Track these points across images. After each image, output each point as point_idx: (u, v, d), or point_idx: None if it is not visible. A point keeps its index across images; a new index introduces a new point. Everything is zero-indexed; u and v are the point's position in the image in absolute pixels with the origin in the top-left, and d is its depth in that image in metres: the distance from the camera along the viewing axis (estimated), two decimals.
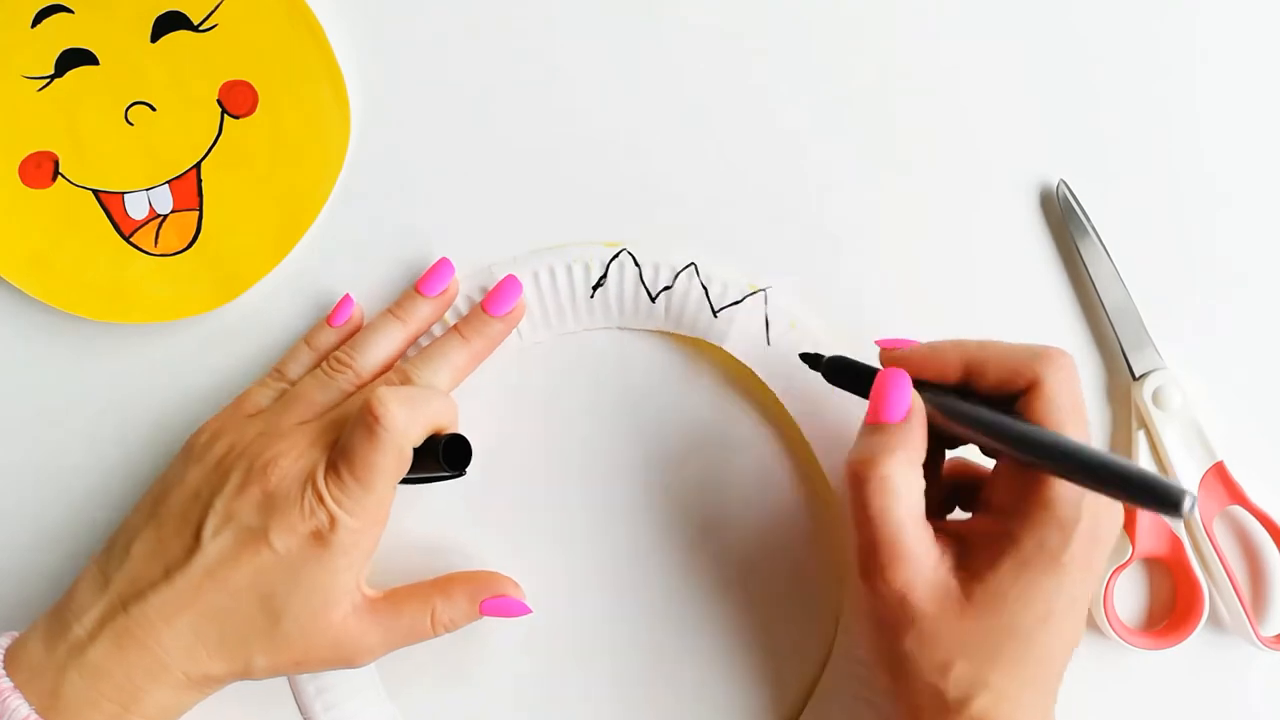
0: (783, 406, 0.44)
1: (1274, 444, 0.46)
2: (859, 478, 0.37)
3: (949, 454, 0.42)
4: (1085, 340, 0.46)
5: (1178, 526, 0.44)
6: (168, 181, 0.46)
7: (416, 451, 0.40)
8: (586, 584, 0.46)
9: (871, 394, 0.38)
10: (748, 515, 0.46)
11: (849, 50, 0.46)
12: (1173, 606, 0.45)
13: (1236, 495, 0.44)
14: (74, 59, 0.45)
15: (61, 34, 0.45)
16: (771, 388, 0.44)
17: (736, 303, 0.44)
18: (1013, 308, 0.46)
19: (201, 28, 0.45)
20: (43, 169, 0.45)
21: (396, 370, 0.43)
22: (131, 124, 0.46)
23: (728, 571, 0.45)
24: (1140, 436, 0.45)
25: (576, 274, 0.45)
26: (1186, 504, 0.32)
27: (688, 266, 0.45)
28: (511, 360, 0.46)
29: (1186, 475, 0.44)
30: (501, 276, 0.44)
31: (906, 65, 0.46)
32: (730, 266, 0.45)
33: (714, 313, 0.44)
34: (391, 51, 0.47)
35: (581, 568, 0.46)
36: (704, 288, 0.44)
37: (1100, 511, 0.36)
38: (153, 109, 0.46)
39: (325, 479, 0.39)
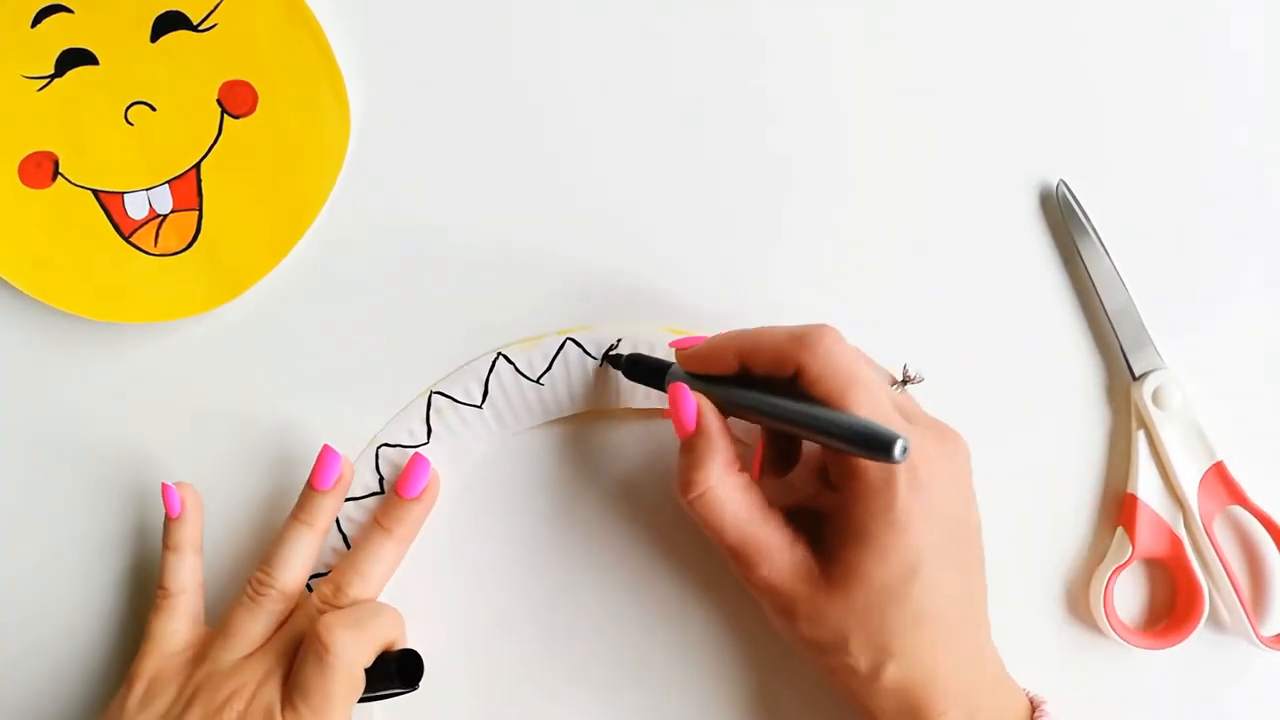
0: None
1: (1274, 444, 0.46)
2: (686, 502, 0.39)
3: None
4: (1085, 340, 0.46)
5: (1177, 526, 0.44)
6: (168, 181, 0.46)
7: (368, 671, 0.41)
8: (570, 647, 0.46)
9: (669, 410, 0.39)
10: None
11: (849, 50, 0.46)
12: (1173, 606, 0.45)
13: (1236, 495, 0.44)
14: (74, 59, 0.45)
15: (61, 34, 0.45)
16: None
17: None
18: (1013, 308, 0.46)
19: (201, 28, 0.45)
20: (43, 169, 0.45)
21: (329, 582, 0.43)
22: (131, 124, 0.46)
23: (719, 632, 0.46)
24: (1140, 436, 0.45)
25: (536, 364, 0.45)
26: (898, 448, 0.34)
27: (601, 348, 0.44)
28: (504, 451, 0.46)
29: (1186, 475, 0.44)
30: (411, 457, 0.44)
31: (906, 65, 0.46)
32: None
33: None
34: (391, 51, 0.47)
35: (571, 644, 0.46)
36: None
37: (915, 457, 0.36)
38: (153, 109, 0.46)
39: (284, 714, 0.40)
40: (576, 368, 0.45)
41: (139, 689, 0.42)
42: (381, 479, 0.45)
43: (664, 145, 0.46)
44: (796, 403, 0.37)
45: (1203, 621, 0.44)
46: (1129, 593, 0.46)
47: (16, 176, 0.45)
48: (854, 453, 0.35)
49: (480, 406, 0.45)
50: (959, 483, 0.39)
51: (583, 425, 0.46)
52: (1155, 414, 0.44)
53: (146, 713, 0.41)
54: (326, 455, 0.44)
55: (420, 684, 0.42)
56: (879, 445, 0.34)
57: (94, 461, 0.46)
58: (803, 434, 0.37)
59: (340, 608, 0.42)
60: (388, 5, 0.47)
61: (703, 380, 0.40)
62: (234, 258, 0.46)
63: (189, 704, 0.40)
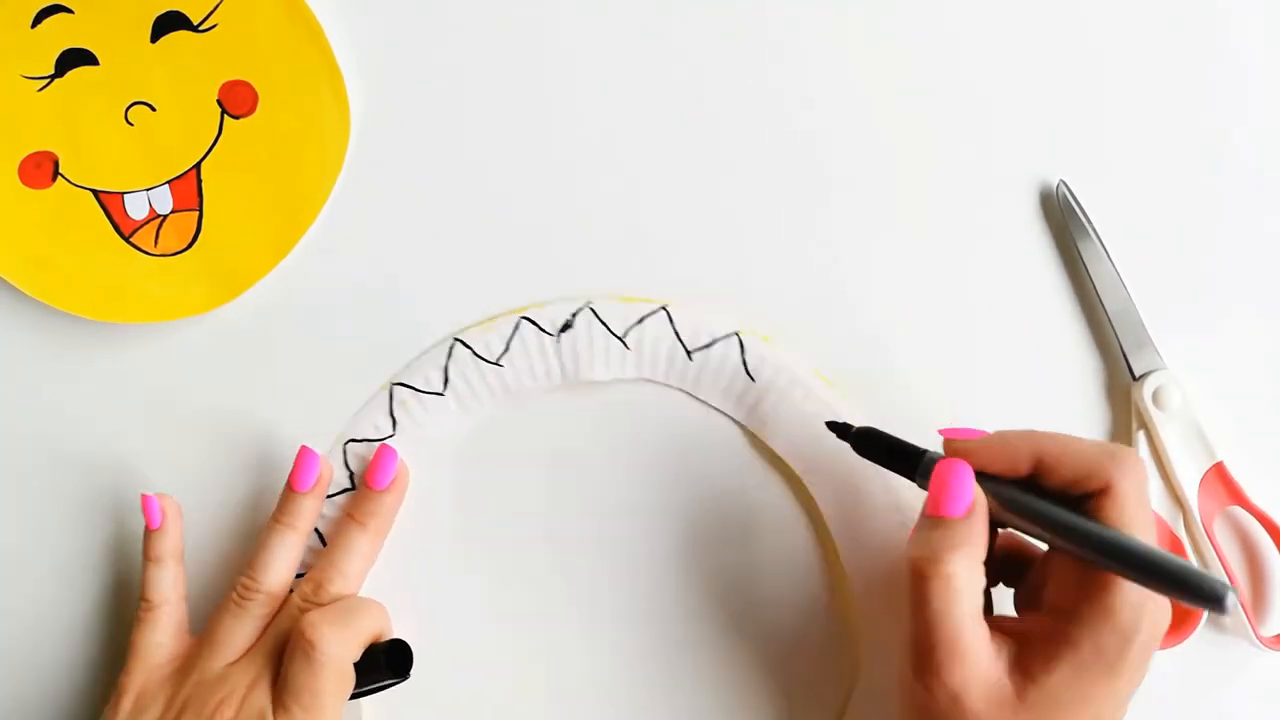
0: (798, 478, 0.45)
1: (1274, 444, 0.46)
2: (921, 575, 0.36)
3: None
4: (1085, 340, 0.46)
5: (1177, 526, 0.44)
6: (168, 181, 0.46)
7: (357, 666, 0.41)
8: (592, 647, 0.46)
9: (932, 485, 0.37)
10: (766, 593, 0.46)
11: (849, 51, 0.46)
12: (1173, 607, 0.45)
13: (1236, 495, 0.44)
14: (74, 59, 0.45)
15: (61, 34, 0.45)
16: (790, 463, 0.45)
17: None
18: (1013, 308, 0.46)
19: (201, 28, 0.45)
20: (43, 169, 0.45)
21: (308, 580, 0.43)
22: (131, 124, 0.46)
23: (733, 636, 0.46)
24: (1140, 437, 0.45)
25: (611, 321, 0.45)
26: (1230, 600, 0.33)
27: (729, 335, 0.44)
28: (537, 409, 0.46)
29: (1186, 475, 0.44)
30: (378, 449, 0.44)
31: (906, 65, 0.46)
32: (722, 301, 0.46)
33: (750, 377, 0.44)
34: (391, 52, 0.47)
35: (587, 630, 0.46)
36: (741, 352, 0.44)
37: (1158, 618, 0.35)
38: (153, 109, 0.46)
39: (276, 716, 0.39)
40: (534, 347, 0.45)
41: (126, 703, 0.42)
42: (351, 474, 0.45)
43: (666, 144, 0.46)
44: (1104, 527, 0.35)
45: (1203, 621, 0.44)
46: None
47: (16, 176, 0.45)
48: (1173, 595, 0.34)
49: (442, 394, 0.45)
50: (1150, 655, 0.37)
51: (546, 402, 0.46)
52: (1155, 414, 0.44)
53: None
54: (305, 456, 0.44)
55: (411, 673, 0.42)
56: (1210, 595, 0.33)
57: (94, 461, 0.46)
58: (1104, 562, 0.35)
59: (322, 605, 0.42)
60: (388, 5, 0.47)
61: (978, 477, 0.37)
62: (234, 258, 0.46)
63: (179, 715, 0.40)
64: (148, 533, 0.44)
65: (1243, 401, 0.46)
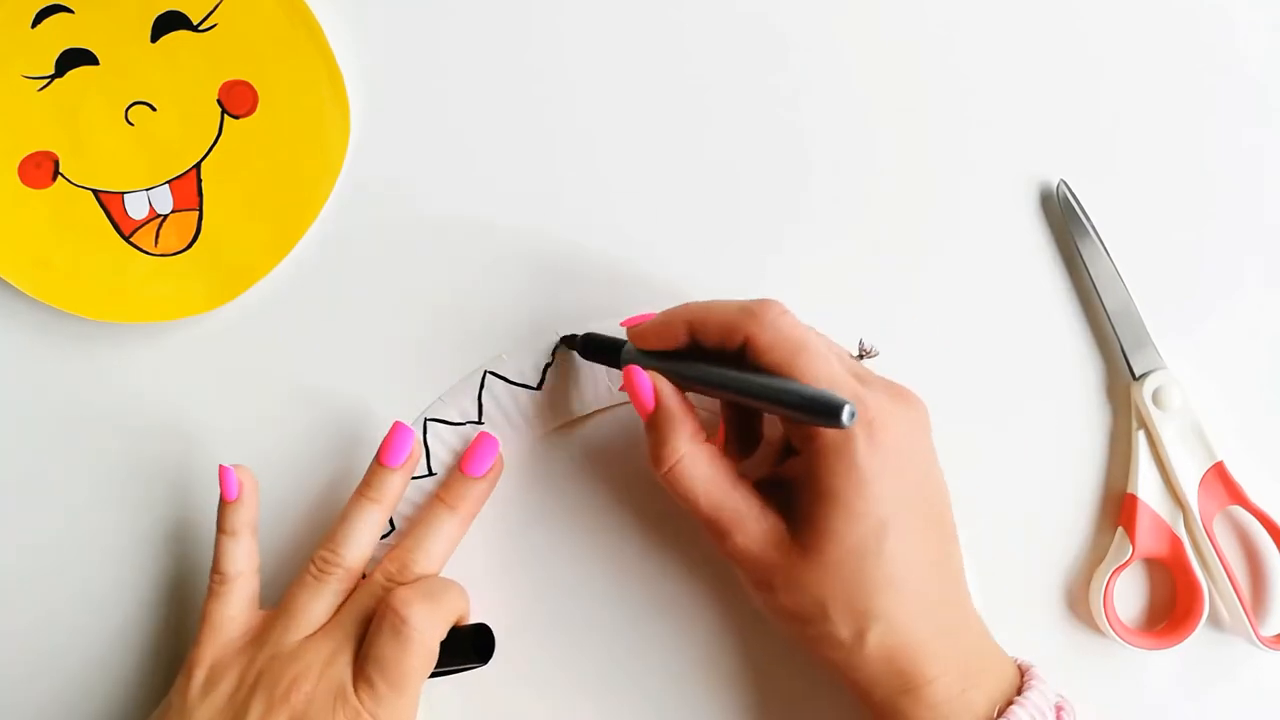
0: None
1: (1274, 444, 0.46)
2: (660, 476, 0.39)
3: None
4: (1085, 340, 0.46)
5: (1177, 526, 0.44)
6: (168, 181, 0.46)
7: (441, 645, 0.41)
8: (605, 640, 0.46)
9: (628, 394, 0.40)
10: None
11: (849, 51, 0.46)
12: (1173, 606, 0.45)
13: (1236, 495, 0.44)
14: (74, 59, 0.45)
15: (61, 34, 0.45)
16: None
17: None
18: (1013, 308, 0.46)
19: (201, 28, 0.45)
20: (43, 169, 0.45)
21: (393, 559, 0.42)
22: (131, 124, 0.46)
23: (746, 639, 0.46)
24: (1140, 436, 0.45)
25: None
26: (845, 412, 0.34)
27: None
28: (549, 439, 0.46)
29: (1186, 475, 0.44)
30: (476, 435, 0.44)
31: (906, 65, 0.46)
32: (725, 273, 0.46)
33: None
34: (391, 51, 0.47)
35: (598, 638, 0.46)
36: None
37: (873, 416, 0.37)
38: (153, 109, 0.46)
39: (357, 690, 0.39)
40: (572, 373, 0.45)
41: (199, 676, 0.41)
42: (428, 454, 0.45)
43: (667, 143, 0.46)
44: (746, 373, 0.37)
45: (1203, 621, 0.44)
46: (1129, 593, 0.46)
47: (16, 176, 0.45)
48: (804, 420, 0.36)
49: (535, 388, 0.45)
50: (918, 440, 0.39)
51: (589, 426, 0.46)
52: (1155, 414, 0.44)
53: (209, 700, 0.40)
54: (398, 432, 0.43)
55: (492, 658, 0.42)
56: (827, 410, 0.35)
57: (93, 462, 0.46)
58: (754, 404, 0.38)
59: (405, 584, 0.42)
60: (388, 5, 0.47)
61: (655, 357, 0.40)
62: (234, 258, 0.46)
63: (253, 688, 0.40)
64: (223, 504, 0.43)
65: (1243, 401, 0.46)
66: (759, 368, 0.37)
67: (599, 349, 0.43)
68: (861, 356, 0.42)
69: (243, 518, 0.43)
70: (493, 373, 0.45)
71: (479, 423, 0.45)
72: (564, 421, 0.46)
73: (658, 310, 0.41)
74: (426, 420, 0.45)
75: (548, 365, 0.45)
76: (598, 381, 0.45)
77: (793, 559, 0.38)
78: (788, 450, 0.42)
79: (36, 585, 0.46)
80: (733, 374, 0.38)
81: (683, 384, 0.40)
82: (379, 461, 0.43)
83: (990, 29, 0.47)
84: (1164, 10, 0.46)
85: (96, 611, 0.46)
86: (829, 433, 0.37)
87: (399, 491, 0.43)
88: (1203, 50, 0.47)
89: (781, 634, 0.41)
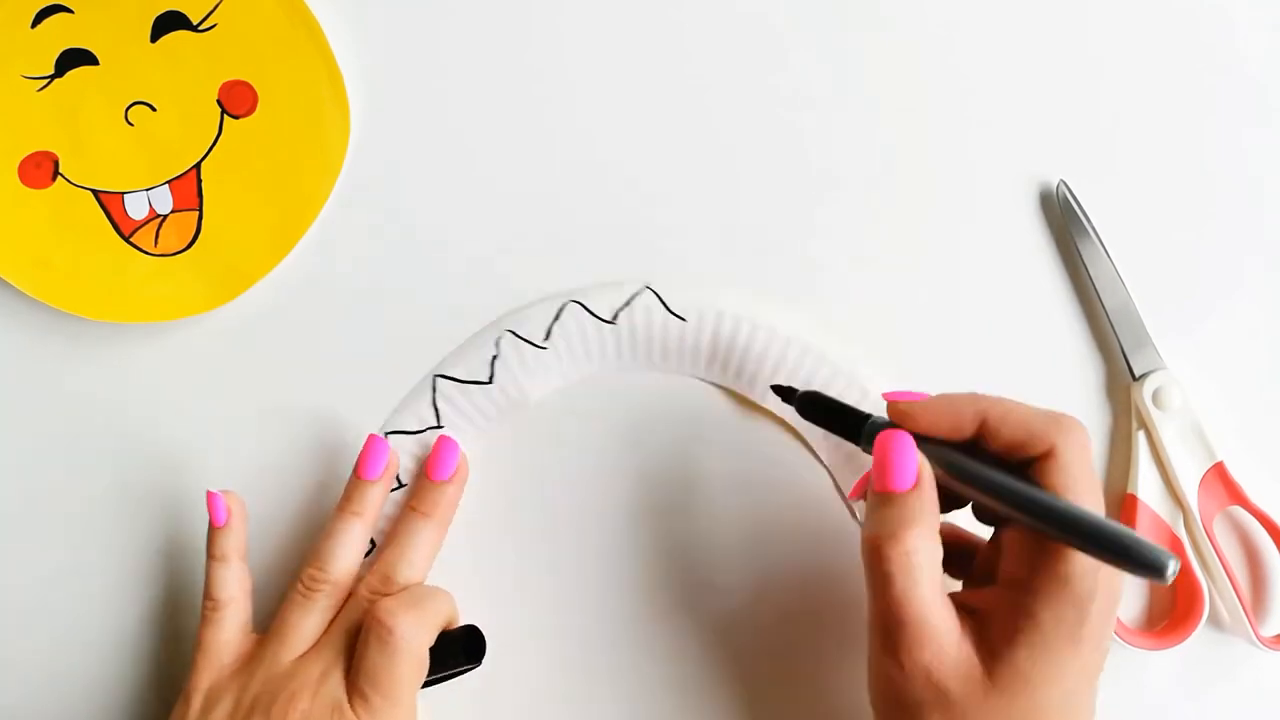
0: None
1: (1274, 444, 0.46)
2: (879, 554, 0.35)
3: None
4: (1085, 340, 0.46)
5: (1177, 526, 0.44)
6: (168, 181, 0.46)
7: (431, 651, 0.41)
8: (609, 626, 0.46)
9: (875, 458, 0.37)
10: (794, 567, 0.45)
11: (849, 51, 0.46)
12: (1173, 606, 0.45)
13: (1236, 495, 0.44)
14: (74, 59, 0.45)
15: (61, 34, 0.45)
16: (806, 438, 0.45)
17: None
18: (1013, 308, 0.46)
19: (201, 28, 0.45)
20: (43, 169, 0.45)
21: (375, 572, 0.42)
22: (131, 124, 0.46)
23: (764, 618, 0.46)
24: (1140, 436, 0.45)
25: (598, 310, 0.45)
26: (1171, 569, 0.32)
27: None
28: (551, 402, 0.46)
29: (1186, 475, 0.44)
30: (438, 439, 0.44)
31: (906, 65, 0.46)
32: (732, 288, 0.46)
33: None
34: (391, 51, 0.47)
35: (606, 611, 0.46)
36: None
37: (1113, 584, 0.35)
38: (153, 109, 0.46)
39: (352, 704, 0.39)
40: (576, 332, 0.45)
41: (196, 703, 0.41)
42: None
43: (666, 143, 0.46)
44: (1047, 493, 0.34)
45: (1203, 621, 0.44)
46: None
47: (16, 176, 0.45)
48: (1116, 564, 0.33)
49: (488, 382, 0.45)
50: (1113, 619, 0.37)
51: (584, 389, 0.46)
52: (1155, 414, 0.44)
53: None
54: (373, 444, 0.43)
55: (484, 659, 0.42)
56: (1151, 563, 0.32)
57: (93, 462, 0.46)
58: (1047, 529, 0.35)
59: (390, 595, 0.42)
60: (388, 5, 0.47)
61: (920, 440, 0.37)
62: (234, 258, 0.46)
63: (250, 711, 0.40)
64: (212, 530, 0.43)
65: (1243, 401, 0.46)
66: (1035, 484, 0.35)
67: (828, 413, 0.40)
68: None
69: (231, 543, 0.43)
70: (441, 375, 0.45)
71: (438, 427, 0.45)
72: (521, 411, 0.45)
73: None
74: (386, 433, 0.45)
75: (494, 358, 0.45)
76: (547, 367, 0.45)
77: (972, 695, 0.35)
78: (982, 575, 0.39)
79: (35, 585, 0.46)
80: (1035, 491, 0.35)
81: (944, 480, 0.37)
82: (357, 475, 0.43)
83: (990, 29, 0.47)
84: (1164, 10, 0.46)
85: (96, 617, 0.46)
86: (1077, 583, 0.34)
87: (379, 503, 0.44)
88: (1203, 50, 0.47)
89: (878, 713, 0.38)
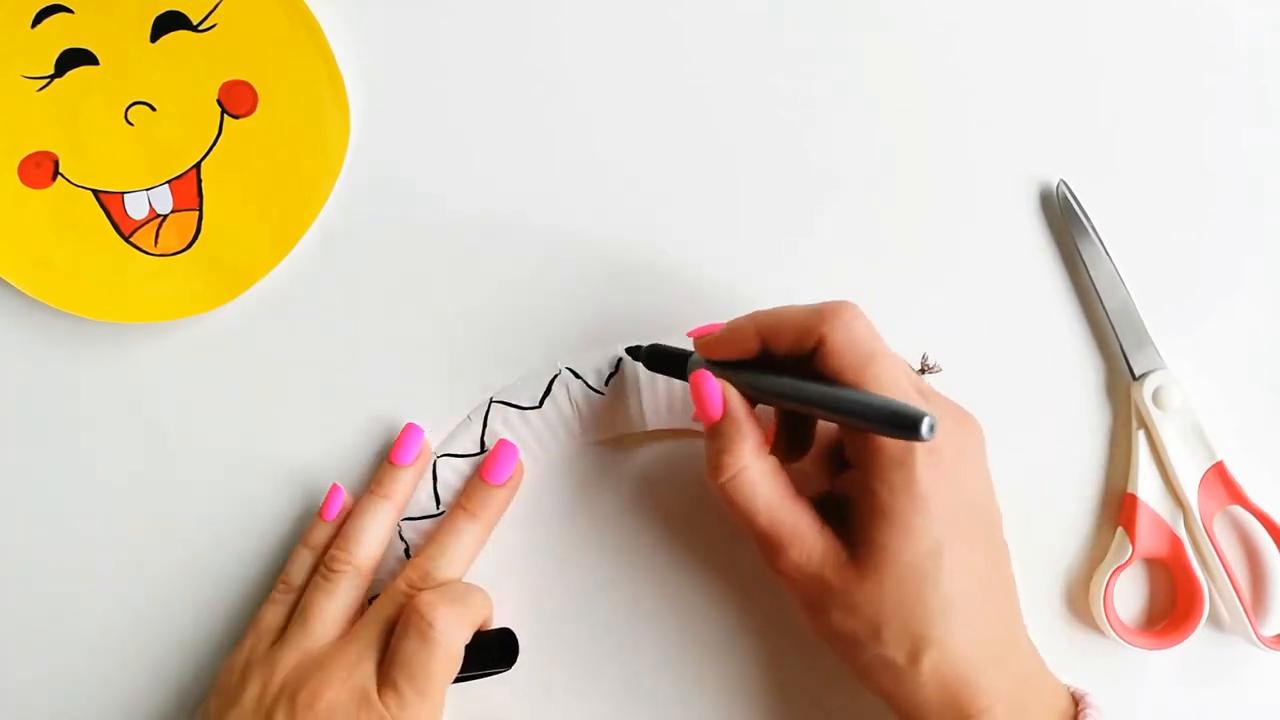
0: None
1: (1274, 444, 0.46)
2: (717, 486, 0.38)
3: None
4: (1085, 340, 0.46)
5: (1177, 526, 0.44)
6: (168, 181, 0.46)
7: (466, 650, 0.41)
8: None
9: (692, 399, 0.39)
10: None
11: (849, 51, 0.46)
12: (1173, 606, 0.45)
13: (1236, 495, 0.44)
14: (74, 59, 0.45)
15: (61, 34, 0.45)
16: None
17: None
18: (1013, 308, 0.46)
19: (201, 28, 0.45)
20: (43, 169, 0.45)
21: (415, 566, 0.43)
22: (131, 124, 0.46)
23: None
24: (1140, 436, 0.45)
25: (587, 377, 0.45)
26: (925, 425, 0.33)
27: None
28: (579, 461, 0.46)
29: (1186, 475, 0.44)
30: (496, 442, 0.44)
31: (906, 65, 0.46)
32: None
33: None
34: (391, 51, 0.47)
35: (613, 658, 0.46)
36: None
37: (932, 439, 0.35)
38: (153, 109, 0.46)
39: (382, 695, 0.39)
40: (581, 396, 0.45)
41: (234, 677, 0.41)
42: (437, 497, 0.45)
43: (666, 143, 0.46)
44: (821, 384, 0.37)
45: (1203, 621, 0.44)
46: (1129, 593, 0.46)
47: (16, 176, 0.45)
48: (880, 432, 0.35)
49: (539, 407, 0.45)
50: (976, 464, 0.39)
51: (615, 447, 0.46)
52: (1155, 414, 0.44)
53: (241, 702, 0.40)
54: (409, 431, 0.44)
55: (515, 663, 0.42)
56: (906, 424, 0.34)
57: (94, 461, 0.46)
58: (826, 416, 0.37)
59: (429, 589, 0.42)
60: (388, 5, 0.47)
61: (724, 366, 0.39)
62: (234, 258, 0.46)
63: (277, 697, 0.40)
64: (318, 520, 0.44)
65: (1243, 401, 0.46)
66: (825, 376, 0.37)
67: (664, 360, 0.42)
68: (923, 371, 0.41)
69: (325, 537, 0.44)
70: (499, 400, 0.45)
71: (482, 452, 0.45)
72: (574, 443, 0.46)
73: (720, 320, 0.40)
74: (437, 457, 0.45)
75: (550, 386, 0.45)
76: (603, 408, 0.45)
77: (847, 579, 0.37)
78: (839, 465, 0.41)
79: (34, 585, 0.46)
80: (808, 385, 0.37)
81: (751, 397, 0.39)
82: (390, 460, 0.44)
83: (990, 29, 0.47)
84: (1164, 10, 0.46)
85: (95, 617, 0.46)
86: (890, 448, 0.36)
87: (410, 488, 0.44)
88: (1203, 50, 0.47)
89: (834, 655, 0.40)
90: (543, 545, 0.46)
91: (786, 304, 0.39)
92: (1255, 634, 0.44)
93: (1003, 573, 0.39)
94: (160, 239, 0.46)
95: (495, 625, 0.44)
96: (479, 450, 0.45)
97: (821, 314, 0.37)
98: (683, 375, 0.41)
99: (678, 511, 0.46)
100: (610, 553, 0.46)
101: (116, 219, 0.46)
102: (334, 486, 0.44)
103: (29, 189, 0.45)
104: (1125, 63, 0.47)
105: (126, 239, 0.46)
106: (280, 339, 0.46)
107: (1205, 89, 0.46)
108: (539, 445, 0.45)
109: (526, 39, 0.47)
